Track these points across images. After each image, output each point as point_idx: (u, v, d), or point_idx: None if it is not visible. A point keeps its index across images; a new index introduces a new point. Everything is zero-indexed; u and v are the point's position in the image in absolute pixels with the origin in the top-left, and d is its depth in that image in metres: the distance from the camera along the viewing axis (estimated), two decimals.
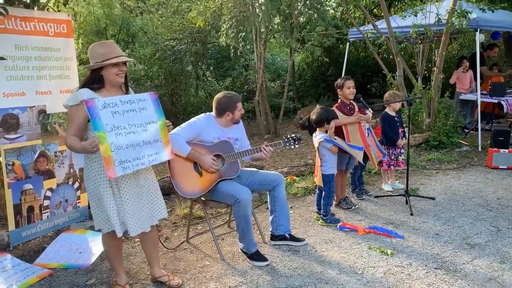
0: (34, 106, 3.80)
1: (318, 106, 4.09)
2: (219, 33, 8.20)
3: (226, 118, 3.48)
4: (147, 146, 2.74)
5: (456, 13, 6.38)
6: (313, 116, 4.01)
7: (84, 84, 2.76)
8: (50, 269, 3.36)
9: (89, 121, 2.61)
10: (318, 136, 3.97)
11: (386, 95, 5.02)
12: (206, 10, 7.84)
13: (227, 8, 7.40)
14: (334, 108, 4.34)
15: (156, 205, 2.95)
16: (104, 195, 2.70)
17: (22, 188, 3.73)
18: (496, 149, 5.82)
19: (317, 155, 4.04)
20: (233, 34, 7.43)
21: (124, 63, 2.79)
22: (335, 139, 4.05)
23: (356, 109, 4.41)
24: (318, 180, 4.06)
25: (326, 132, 4.00)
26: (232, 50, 8.00)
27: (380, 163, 4.95)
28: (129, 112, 2.68)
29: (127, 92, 2.88)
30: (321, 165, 3.99)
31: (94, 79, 2.73)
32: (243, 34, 7.34)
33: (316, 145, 3.97)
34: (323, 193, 4.05)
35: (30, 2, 4.01)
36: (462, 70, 7.86)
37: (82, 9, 9.52)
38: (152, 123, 2.78)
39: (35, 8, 4.05)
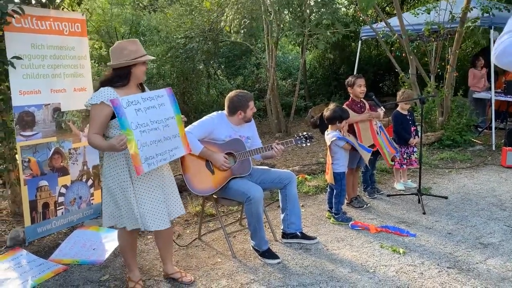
0: (49, 104, 3.86)
1: (333, 104, 4.08)
2: (224, 17, 8.11)
3: (238, 117, 3.50)
4: (167, 141, 2.79)
5: (474, 11, 6.32)
6: (326, 113, 3.99)
7: (108, 81, 2.76)
8: (64, 265, 3.41)
9: (111, 119, 2.65)
10: (330, 135, 3.96)
11: (399, 93, 5.00)
12: None
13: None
14: (345, 106, 4.34)
15: (173, 201, 2.97)
16: (128, 191, 2.74)
17: (38, 184, 3.79)
18: (510, 148, 5.75)
19: (328, 153, 4.03)
20: (237, 20, 7.42)
21: None
22: (348, 136, 4.04)
23: (367, 107, 4.39)
24: (329, 178, 4.05)
25: (340, 131, 3.99)
26: (233, 34, 7.94)
27: (392, 161, 4.94)
28: (150, 109, 2.71)
29: (143, 90, 2.93)
30: (332, 163, 3.99)
31: (121, 76, 2.75)
32: (247, 22, 7.33)
33: (328, 143, 3.97)
34: (335, 191, 4.04)
35: (46, 1, 4.06)
36: (479, 68, 7.80)
37: (89, 7, 9.58)
38: (170, 119, 2.82)
39: (51, 7, 4.11)
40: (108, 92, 2.70)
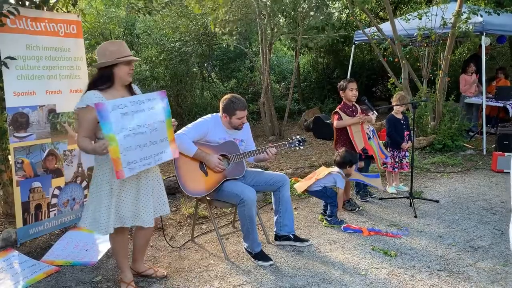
0: (44, 105, 3.85)
1: (342, 149, 4.21)
2: (213, 15, 8.14)
3: (223, 118, 3.51)
4: (153, 145, 2.76)
5: (464, 15, 6.41)
6: (337, 158, 4.15)
7: (92, 84, 2.79)
8: (57, 266, 3.41)
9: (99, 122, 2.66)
10: (336, 169, 4.12)
11: (395, 97, 5.04)
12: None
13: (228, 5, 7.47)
14: (337, 109, 4.39)
15: (142, 209, 2.87)
16: (113, 195, 2.75)
17: (31, 186, 3.78)
18: (500, 152, 5.82)
19: (320, 171, 4.12)
20: (231, 22, 7.48)
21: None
22: (353, 175, 4.22)
23: (359, 111, 4.44)
24: (300, 188, 4.15)
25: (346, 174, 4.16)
26: (225, 37, 7.95)
27: (384, 165, 4.98)
28: (138, 112, 2.69)
29: (131, 92, 2.89)
30: (316, 181, 4.06)
31: (103, 77, 2.77)
32: (239, 27, 7.41)
33: (332, 170, 4.08)
34: (329, 205, 4.09)
35: (40, 3, 4.06)
36: (470, 73, 7.91)
37: (83, 9, 9.57)
38: (159, 122, 2.80)
39: (45, 9, 4.11)
40: (94, 96, 2.71)
